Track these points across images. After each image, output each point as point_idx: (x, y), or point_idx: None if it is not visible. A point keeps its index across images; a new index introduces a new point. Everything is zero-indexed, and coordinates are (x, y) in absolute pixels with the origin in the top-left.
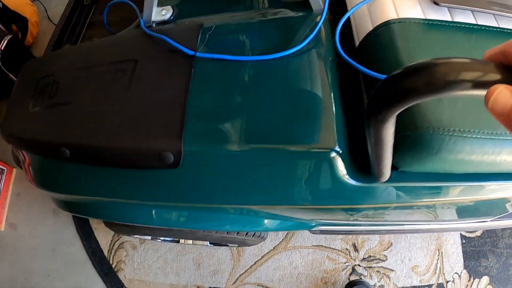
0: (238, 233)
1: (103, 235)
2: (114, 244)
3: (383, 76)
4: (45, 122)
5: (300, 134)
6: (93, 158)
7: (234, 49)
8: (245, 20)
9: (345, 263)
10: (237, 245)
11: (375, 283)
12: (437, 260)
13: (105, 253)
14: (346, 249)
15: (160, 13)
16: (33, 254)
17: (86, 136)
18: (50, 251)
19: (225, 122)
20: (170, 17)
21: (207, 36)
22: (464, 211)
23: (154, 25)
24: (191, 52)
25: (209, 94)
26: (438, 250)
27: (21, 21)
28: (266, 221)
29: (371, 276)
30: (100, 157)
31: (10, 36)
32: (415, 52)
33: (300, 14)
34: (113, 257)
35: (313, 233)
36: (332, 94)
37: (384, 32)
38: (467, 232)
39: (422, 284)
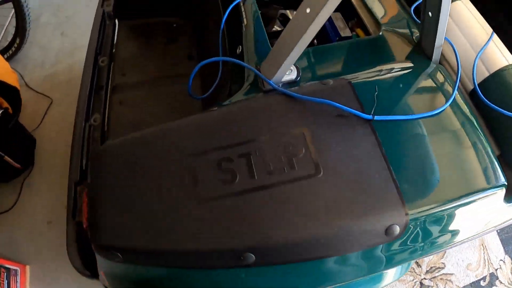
0: None
1: None
2: None
3: None
4: (193, 226)
5: (479, 178)
6: (290, 256)
7: (395, 108)
8: (381, 77)
9: (413, 280)
10: None
11: None
12: (484, 253)
13: None
14: (411, 267)
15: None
16: None
17: (281, 233)
18: None
19: (427, 181)
20: (297, 77)
21: (368, 97)
22: None
23: (280, 86)
24: (368, 117)
25: (400, 156)
26: (482, 244)
27: (11, 93)
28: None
29: (437, 285)
30: (302, 252)
31: (0, 112)
32: None
33: (422, 64)
34: None
35: None
36: (483, 135)
37: (502, 76)
38: None
39: (478, 279)
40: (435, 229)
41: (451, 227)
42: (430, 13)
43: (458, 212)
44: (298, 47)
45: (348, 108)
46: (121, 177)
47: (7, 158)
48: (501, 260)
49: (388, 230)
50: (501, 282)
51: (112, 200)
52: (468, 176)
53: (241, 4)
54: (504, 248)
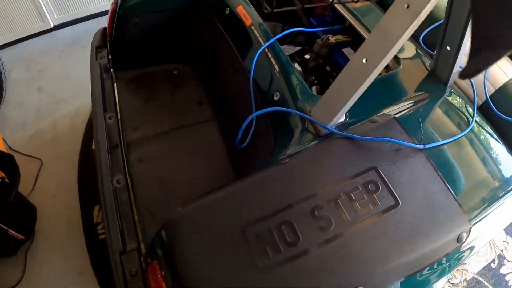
0: None
1: None
2: None
3: None
4: (303, 275)
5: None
6: (392, 278)
7: (433, 133)
8: (414, 108)
9: None
10: None
11: (460, 280)
12: None
13: None
14: None
15: None
16: None
17: (383, 261)
18: None
19: (473, 189)
20: (345, 119)
21: (410, 128)
22: None
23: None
24: (421, 146)
25: (449, 174)
26: None
27: (3, 160)
28: None
29: (455, 276)
30: (401, 273)
31: None
32: None
33: (440, 90)
34: None
35: None
36: (501, 141)
37: (506, 90)
38: None
39: (488, 262)
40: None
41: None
42: (448, 47)
43: (498, 210)
44: (356, 94)
45: (405, 142)
46: (210, 244)
47: (11, 231)
48: (504, 241)
49: (458, 238)
50: (508, 261)
51: (206, 272)
52: (502, 177)
53: (267, 50)
54: (504, 230)
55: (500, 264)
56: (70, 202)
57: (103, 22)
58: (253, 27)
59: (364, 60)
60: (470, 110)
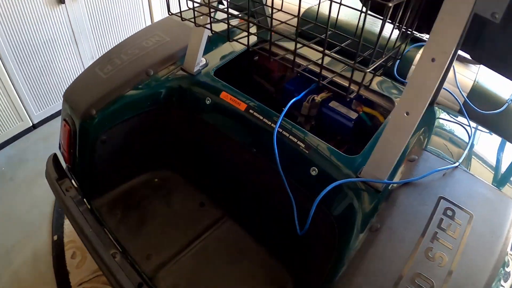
0: None
1: None
2: None
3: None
4: None
5: None
6: None
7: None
8: (424, 141)
9: None
10: None
11: None
12: None
13: None
14: None
15: None
16: None
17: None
18: None
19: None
20: None
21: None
22: None
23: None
24: (456, 164)
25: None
26: None
27: None
28: None
29: None
30: None
31: None
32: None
33: (432, 111)
34: None
35: None
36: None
37: (474, 92)
38: None
39: None
40: None
41: None
42: None
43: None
44: (405, 143)
45: (447, 166)
46: None
47: None
48: None
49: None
50: None
51: None
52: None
53: (281, 130)
54: None
55: None
56: None
57: (22, 145)
58: (251, 111)
59: (405, 113)
60: (459, 117)
